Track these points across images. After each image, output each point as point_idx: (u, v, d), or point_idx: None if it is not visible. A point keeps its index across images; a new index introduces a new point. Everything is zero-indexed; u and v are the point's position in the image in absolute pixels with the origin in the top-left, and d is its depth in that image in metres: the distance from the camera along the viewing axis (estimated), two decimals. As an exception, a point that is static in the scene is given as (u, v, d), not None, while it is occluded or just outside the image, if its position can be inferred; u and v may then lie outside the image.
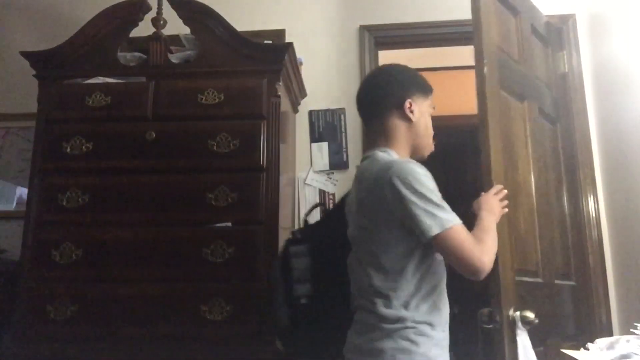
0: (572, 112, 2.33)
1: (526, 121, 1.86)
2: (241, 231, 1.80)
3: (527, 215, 1.77)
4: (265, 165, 1.85)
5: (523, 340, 1.49)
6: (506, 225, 1.52)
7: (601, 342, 1.37)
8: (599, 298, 2.15)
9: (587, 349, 1.39)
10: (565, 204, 2.18)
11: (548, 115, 2.07)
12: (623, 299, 2.11)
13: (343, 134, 2.36)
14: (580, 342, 1.68)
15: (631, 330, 1.38)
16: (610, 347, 1.32)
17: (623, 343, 1.30)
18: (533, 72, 2.00)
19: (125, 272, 1.80)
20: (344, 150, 2.35)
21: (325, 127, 2.36)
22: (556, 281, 1.86)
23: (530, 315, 1.49)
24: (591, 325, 2.11)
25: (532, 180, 1.85)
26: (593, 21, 2.38)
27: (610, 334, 2.06)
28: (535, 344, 1.51)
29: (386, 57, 2.43)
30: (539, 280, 1.75)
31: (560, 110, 2.25)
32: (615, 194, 2.17)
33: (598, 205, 2.23)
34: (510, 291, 1.52)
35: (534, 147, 1.87)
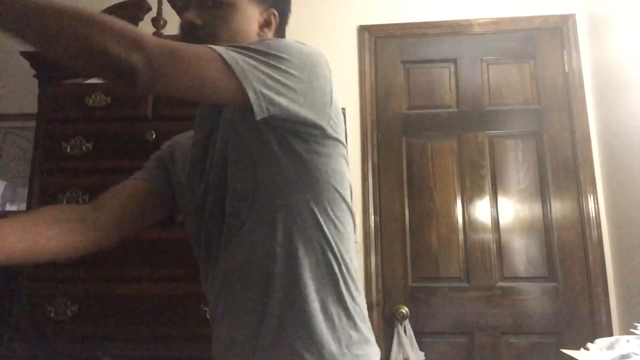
0: (572, 113, 2.34)
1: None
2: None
3: (446, 233, 2.26)
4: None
5: (399, 330, 2.12)
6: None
7: (601, 342, 1.37)
8: (598, 298, 2.15)
9: (587, 349, 1.39)
10: (550, 207, 2.25)
11: (521, 132, 2.35)
12: (623, 299, 2.11)
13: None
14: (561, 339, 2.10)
15: (631, 330, 1.39)
16: (610, 347, 1.32)
17: (623, 343, 1.31)
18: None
19: (126, 272, 1.80)
20: (344, 150, 2.35)
21: (325, 127, 2.35)
22: (500, 284, 2.21)
23: (403, 311, 2.16)
24: (589, 325, 2.11)
25: (458, 203, 2.28)
26: (593, 21, 2.38)
27: (610, 334, 2.07)
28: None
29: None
30: (465, 284, 2.22)
31: (551, 118, 2.34)
32: (616, 194, 2.17)
33: (598, 205, 2.23)
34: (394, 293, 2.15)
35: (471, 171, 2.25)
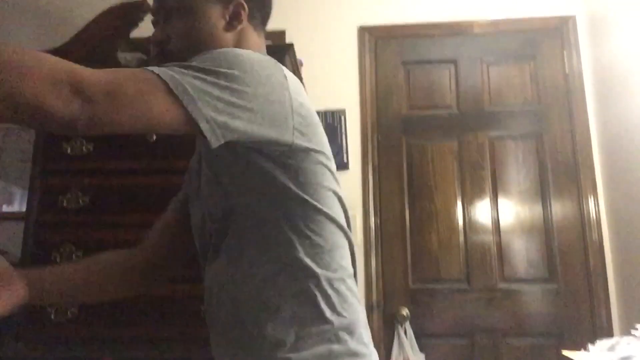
0: (573, 114, 2.34)
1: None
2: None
3: (447, 234, 2.26)
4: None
5: (400, 332, 2.11)
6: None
7: (602, 343, 1.37)
8: (599, 300, 2.15)
9: (588, 351, 1.39)
10: (550, 209, 2.24)
11: (522, 133, 2.36)
12: (623, 300, 2.10)
13: (343, 135, 2.36)
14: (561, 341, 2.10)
15: (631, 331, 1.39)
16: (611, 348, 1.32)
17: (623, 345, 1.30)
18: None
19: (126, 273, 1.80)
20: (344, 151, 2.35)
21: (325, 127, 2.34)
22: (500, 285, 2.21)
23: (403, 312, 2.16)
24: (588, 326, 2.11)
25: (459, 204, 2.29)
26: (593, 22, 2.38)
27: (611, 336, 2.06)
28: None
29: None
30: (465, 286, 2.23)
31: (551, 119, 2.33)
32: (616, 195, 2.17)
33: (598, 206, 2.23)
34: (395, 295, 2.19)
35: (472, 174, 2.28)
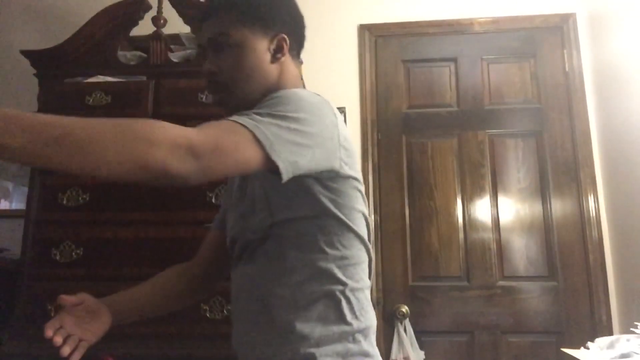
0: (573, 112, 2.34)
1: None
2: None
3: (446, 232, 2.27)
4: (265, 165, 1.85)
5: (399, 330, 2.13)
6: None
7: (601, 341, 1.37)
8: (598, 297, 2.15)
9: (587, 348, 1.39)
10: (550, 206, 2.25)
11: (522, 131, 2.36)
12: (623, 298, 2.11)
13: (343, 133, 2.36)
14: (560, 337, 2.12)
15: (631, 329, 1.39)
16: (611, 346, 1.32)
17: (623, 342, 1.31)
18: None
19: (126, 271, 1.80)
20: (344, 149, 2.35)
21: (325, 126, 2.35)
22: (500, 283, 2.21)
23: (403, 310, 2.18)
24: (588, 324, 2.11)
25: (459, 202, 2.30)
26: (593, 20, 2.38)
27: (611, 333, 2.07)
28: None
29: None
30: (465, 283, 2.23)
31: (551, 117, 2.34)
32: (616, 193, 2.17)
33: (598, 204, 2.23)
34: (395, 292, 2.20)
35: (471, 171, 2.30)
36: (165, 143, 0.71)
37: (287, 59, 1.05)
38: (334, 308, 0.92)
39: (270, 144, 0.80)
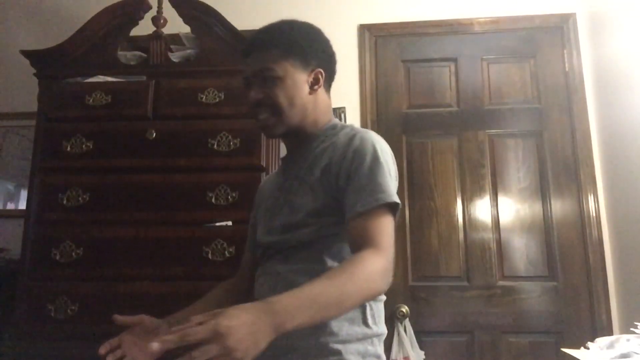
0: (573, 112, 2.34)
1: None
2: (242, 230, 1.79)
3: (446, 232, 2.28)
4: (265, 165, 1.85)
5: (400, 330, 2.15)
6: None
7: (601, 341, 1.37)
8: (598, 297, 2.15)
9: (587, 348, 1.39)
10: (550, 206, 2.25)
11: (522, 131, 2.37)
12: (623, 298, 2.11)
13: (343, 133, 2.36)
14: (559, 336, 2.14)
15: (631, 329, 1.39)
16: (611, 346, 1.32)
17: (623, 342, 1.31)
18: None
19: (126, 271, 1.80)
20: (344, 149, 2.35)
21: (325, 126, 2.35)
22: (500, 283, 2.22)
23: (403, 310, 2.19)
24: (588, 324, 2.11)
25: (459, 202, 2.31)
26: (593, 20, 2.38)
27: (611, 333, 2.06)
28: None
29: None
30: (465, 283, 2.24)
31: (551, 117, 2.33)
32: (616, 193, 2.17)
33: (598, 204, 2.23)
34: (395, 292, 2.11)
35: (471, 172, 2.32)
36: (383, 280, 0.96)
37: (321, 90, 1.20)
38: (360, 312, 1.05)
39: (395, 204, 1.10)
